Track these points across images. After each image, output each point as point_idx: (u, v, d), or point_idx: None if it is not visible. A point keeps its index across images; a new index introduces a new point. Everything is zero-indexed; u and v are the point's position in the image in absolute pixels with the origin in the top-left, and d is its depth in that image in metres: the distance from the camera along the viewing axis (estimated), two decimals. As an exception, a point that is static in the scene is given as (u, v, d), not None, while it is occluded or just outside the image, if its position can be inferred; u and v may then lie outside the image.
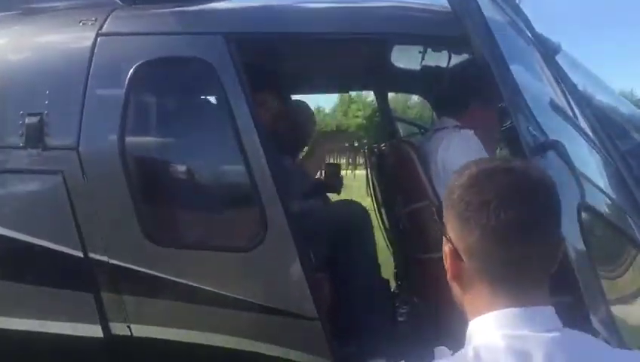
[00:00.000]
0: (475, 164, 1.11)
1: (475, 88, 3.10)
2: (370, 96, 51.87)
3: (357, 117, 51.28)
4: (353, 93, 52.49)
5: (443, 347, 1.18)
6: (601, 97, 2.87)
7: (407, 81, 4.38)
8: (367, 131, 51.94)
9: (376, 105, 4.72)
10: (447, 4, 2.45)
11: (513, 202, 1.03)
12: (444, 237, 1.13)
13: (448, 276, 1.14)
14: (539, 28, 2.79)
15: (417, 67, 3.96)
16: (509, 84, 2.24)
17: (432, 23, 2.72)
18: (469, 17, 2.31)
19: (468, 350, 1.02)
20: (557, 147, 2.15)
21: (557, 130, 2.30)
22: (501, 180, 1.06)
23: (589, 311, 2.14)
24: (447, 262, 1.12)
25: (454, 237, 1.09)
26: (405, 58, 4.08)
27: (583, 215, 2.17)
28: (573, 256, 2.15)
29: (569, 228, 2.13)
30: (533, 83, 2.41)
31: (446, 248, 1.12)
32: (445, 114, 3.23)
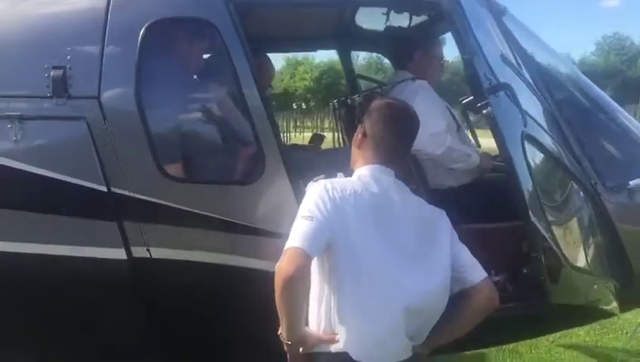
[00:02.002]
0: (385, 100, 2.54)
1: (415, 41, 3.71)
2: (317, 58, 52.05)
3: (304, 79, 51.35)
4: (300, 56, 52.77)
5: (340, 173, 2.33)
6: (541, 54, 3.42)
7: (368, 41, 4.88)
8: (314, 93, 52.35)
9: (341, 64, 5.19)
10: None
11: (399, 119, 2.36)
12: (361, 127, 2.39)
13: (355, 145, 2.41)
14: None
15: (378, 27, 4.46)
16: (472, 40, 2.79)
17: None
18: None
19: (354, 176, 2.33)
20: (507, 88, 2.71)
21: (507, 77, 2.86)
22: (393, 109, 2.40)
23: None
24: (357, 138, 2.39)
25: (367, 126, 2.37)
26: (368, 19, 4.56)
27: (525, 142, 2.74)
28: (518, 173, 2.74)
29: (514, 150, 2.71)
30: (487, 39, 2.93)
31: (359, 133, 2.39)
32: (399, 67, 3.88)
